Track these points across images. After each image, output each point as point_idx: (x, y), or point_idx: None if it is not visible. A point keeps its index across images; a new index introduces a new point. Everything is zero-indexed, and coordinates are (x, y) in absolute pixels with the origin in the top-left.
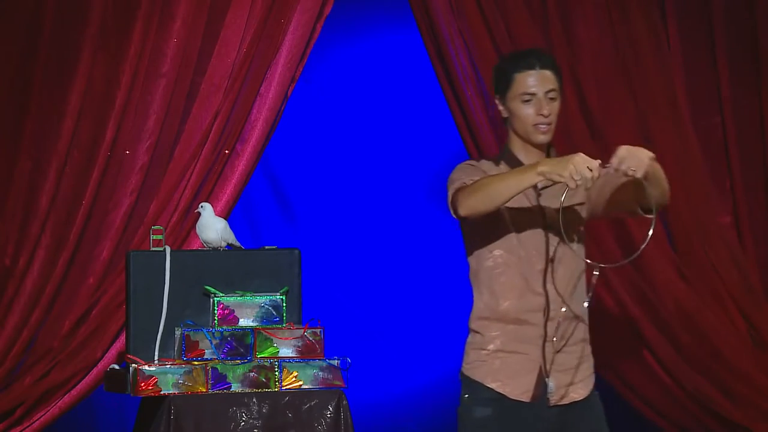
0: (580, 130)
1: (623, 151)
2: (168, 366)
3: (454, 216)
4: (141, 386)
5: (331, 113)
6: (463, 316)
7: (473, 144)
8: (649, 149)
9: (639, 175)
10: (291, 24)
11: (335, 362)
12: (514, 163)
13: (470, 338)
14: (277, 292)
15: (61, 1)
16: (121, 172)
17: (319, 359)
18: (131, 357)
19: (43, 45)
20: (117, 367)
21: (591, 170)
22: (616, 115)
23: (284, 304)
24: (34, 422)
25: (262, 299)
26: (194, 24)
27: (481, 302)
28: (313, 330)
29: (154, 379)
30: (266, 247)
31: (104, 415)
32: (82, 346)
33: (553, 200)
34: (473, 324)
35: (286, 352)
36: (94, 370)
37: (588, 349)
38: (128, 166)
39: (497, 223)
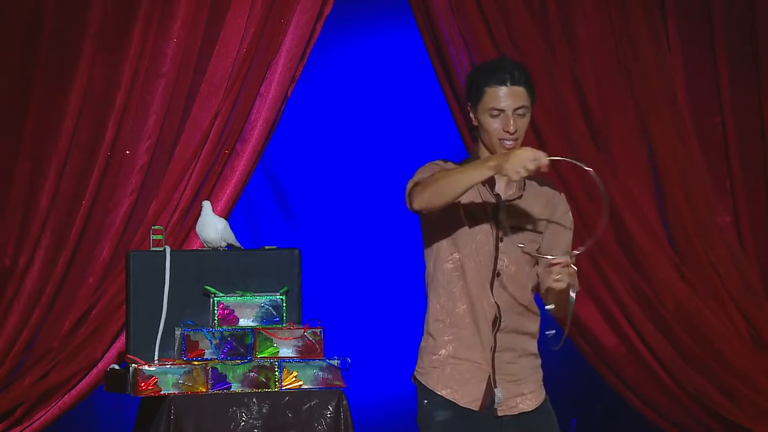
0: (580, 130)
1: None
2: (168, 366)
3: (409, 209)
4: (141, 386)
5: (331, 113)
6: None
7: (473, 144)
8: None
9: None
10: (291, 24)
11: (335, 362)
12: None
13: (423, 342)
14: (277, 292)
15: (61, 1)
16: (121, 172)
17: (319, 359)
18: (131, 357)
19: (43, 45)
20: (117, 367)
21: (533, 162)
22: (616, 115)
23: (284, 304)
24: (34, 422)
25: (262, 299)
26: (194, 24)
27: (437, 303)
28: (313, 330)
29: (154, 379)
30: (266, 247)
31: (104, 415)
32: (82, 346)
33: (511, 216)
34: (428, 326)
35: (286, 352)
36: (94, 370)
37: (537, 362)
38: (128, 166)
39: (457, 227)
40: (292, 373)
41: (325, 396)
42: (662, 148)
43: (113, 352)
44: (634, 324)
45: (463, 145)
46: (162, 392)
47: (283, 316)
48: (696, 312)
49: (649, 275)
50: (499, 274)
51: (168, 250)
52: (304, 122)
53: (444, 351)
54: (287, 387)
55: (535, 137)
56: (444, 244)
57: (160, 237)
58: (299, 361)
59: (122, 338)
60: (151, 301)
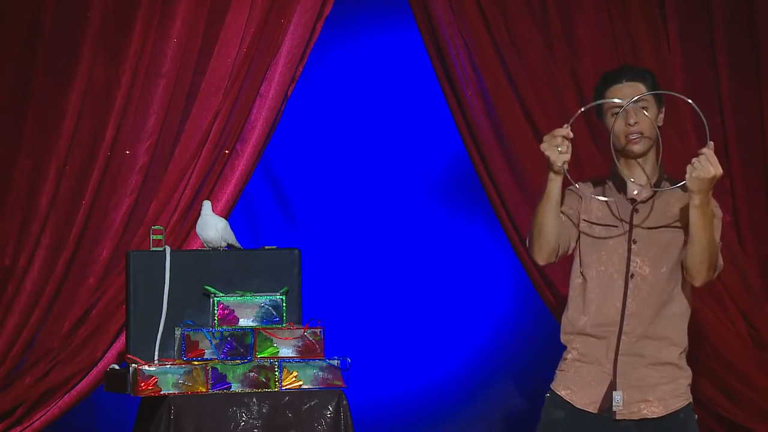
0: (580, 130)
1: (708, 153)
2: (168, 366)
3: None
4: (141, 386)
5: (331, 113)
6: (462, 316)
7: (473, 144)
8: None
9: (692, 174)
10: (291, 24)
11: (335, 362)
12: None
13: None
14: (277, 292)
15: (61, 1)
16: (121, 172)
17: (319, 359)
18: (131, 357)
19: (43, 45)
20: (117, 367)
21: (550, 135)
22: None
23: (284, 304)
24: (34, 422)
25: (262, 299)
26: (194, 24)
27: (566, 317)
28: (313, 330)
29: (154, 379)
30: (266, 247)
31: (104, 415)
32: (82, 346)
33: (647, 217)
34: (561, 339)
35: (286, 352)
36: (94, 370)
37: (679, 373)
38: (128, 166)
39: (588, 239)
40: (292, 373)
41: (325, 396)
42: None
43: (113, 352)
44: None
45: (463, 145)
46: (162, 392)
47: (283, 316)
48: (696, 312)
49: None
50: (632, 276)
51: (168, 250)
52: (304, 122)
53: (570, 356)
54: (287, 387)
55: (535, 137)
56: (575, 261)
57: (160, 237)
58: (299, 361)
59: (122, 338)
60: (151, 301)
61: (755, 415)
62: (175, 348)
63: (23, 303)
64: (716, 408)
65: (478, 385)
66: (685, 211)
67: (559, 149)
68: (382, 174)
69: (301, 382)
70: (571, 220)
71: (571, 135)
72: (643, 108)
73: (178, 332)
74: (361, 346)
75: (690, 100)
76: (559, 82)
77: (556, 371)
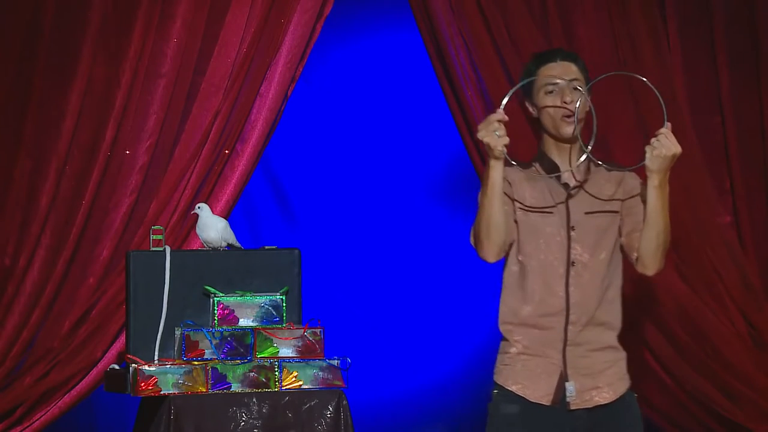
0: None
1: (667, 132)
2: (168, 366)
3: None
4: (141, 386)
5: (331, 113)
6: (462, 315)
7: (473, 144)
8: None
9: (653, 153)
10: (291, 24)
11: (335, 362)
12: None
13: (500, 344)
14: (277, 292)
15: (61, 1)
16: (121, 172)
17: (319, 359)
18: (131, 357)
19: (43, 45)
20: (117, 367)
21: (486, 121)
22: (616, 115)
23: (284, 304)
24: (34, 422)
25: (262, 299)
26: (194, 24)
27: (505, 307)
28: (313, 330)
29: (154, 379)
30: (266, 247)
31: (104, 415)
32: (82, 346)
33: (582, 202)
34: (500, 328)
35: (286, 352)
36: (94, 370)
37: (618, 354)
38: (128, 166)
39: (526, 227)
40: (292, 373)
41: (325, 396)
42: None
43: (113, 352)
44: (634, 324)
45: (463, 145)
46: (162, 392)
47: (283, 316)
48: (696, 312)
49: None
50: (573, 264)
51: (168, 250)
52: (304, 122)
53: (514, 349)
54: (287, 387)
55: (535, 136)
56: (513, 248)
57: (160, 237)
58: (299, 361)
59: (122, 338)
60: (151, 301)
61: (755, 415)
62: (175, 348)
63: (23, 303)
64: (716, 408)
65: (478, 385)
66: (619, 194)
67: (497, 133)
68: (382, 174)
69: (301, 382)
70: (509, 203)
71: (506, 118)
72: (576, 89)
73: (178, 332)
74: (361, 346)
75: (645, 79)
76: None
77: (499, 365)
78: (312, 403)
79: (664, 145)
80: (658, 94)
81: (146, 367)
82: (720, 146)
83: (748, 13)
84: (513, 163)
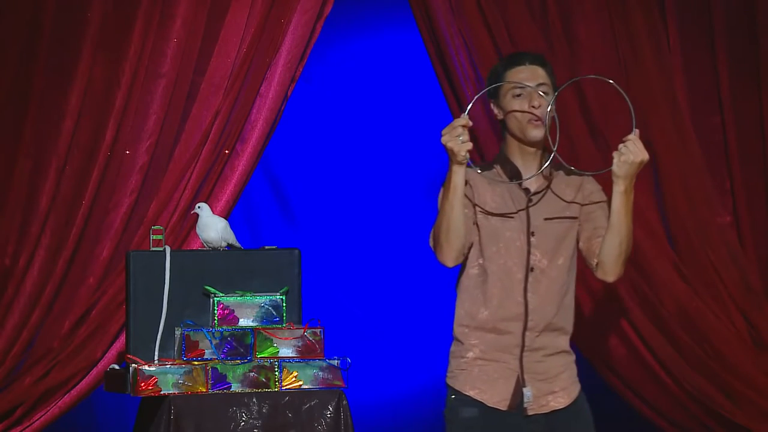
0: (580, 130)
1: (635, 138)
2: (168, 366)
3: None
4: (141, 386)
5: (331, 113)
6: None
7: (473, 144)
8: (649, 149)
9: (620, 159)
10: (291, 24)
11: (335, 362)
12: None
13: (452, 347)
14: (277, 292)
15: (61, 1)
16: (121, 172)
17: (319, 359)
18: (131, 357)
19: (43, 45)
20: (117, 367)
21: (450, 126)
22: (616, 115)
23: (284, 304)
24: (34, 422)
25: (262, 299)
26: (194, 24)
27: (462, 309)
28: (313, 330)
29: (154, 379)
30: (266, 247)
31: (104, 415)
32: (82, 346)
33: (542, 208)
34: (455, 332)
35: (286, 352)
36: (94, 370)
37: (570, 358)
38: (128, 166)
39: (486, 231)
40: (292, 373)
41: (325, 396)
42: (662, 148)
43: (113, 352)
44: (634, 324)
45: None
46: (162, 392)
47: (283, 316)
48: (696, 312)
49: (649, 275)
50: (532, 269)
51: (168, 250)
52: (304, 122)
53: (471, 353)
54: (287, 387)
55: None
56: (472, 251)
57: (160, 237)
58: (299, 361)
59: (122, 338)
60: (151, 301)
61: (755, 415)
62: (175, 348)
63: (23, 303)
64: (716, 408)
65: None
66: (579, 199)
67: (461, 139)
68: (382, 174)
69: (301, 382)
70: (470, 208)
71: (470, 123)
72: (545, 94)
73: (178, 332)
74: (361, 346)
75: (611, 81)
76: (559, 82)
77: (454, 370)
78: (312, 403)
79: (632, 151)
80: (626, 98)
81: (146, 367)
82: (720, 146)
83: (748, 13)
84: (478, 171)
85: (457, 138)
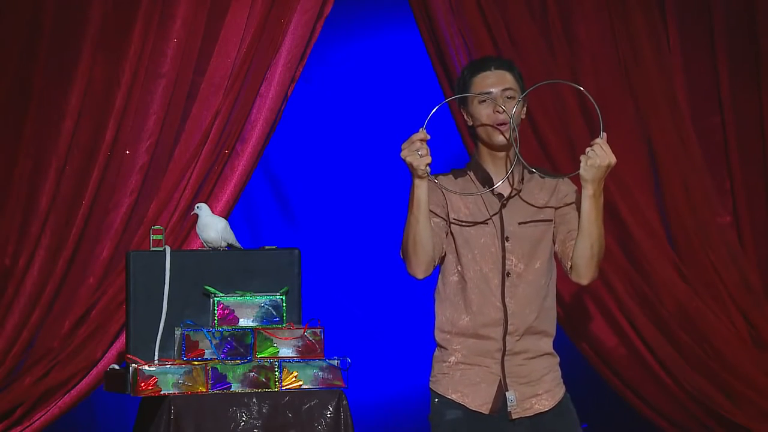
0: (580, 130)
1: (602, 142)
2: (168, 366)
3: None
4: (141, 386)
5: (331, 113)
6: None
7: (473, 144)
8: (650, 149)
9: (588, 162)
10: (291, 24)
11: (335, 362)
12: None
13: (435, 352)
14: (277, 292)
15: (61, 1)
16: (121, 172)
17: (319, 359)
18: (131, 357)
19: (43, 45)
20: (117, 367)
21: (408, 140)
22: (616, 115)
23: (284, 304)
24: (34, 422)
25: (262, 299)
26: (194, 24)
27: (443, 316)
28: (313, 330)
29: (154, 379)
30: (266, 247)
31: (104, 415)
32: (82, 346)
33: (516, 212)
34: (436, 337)
35: (286, 352)
36: (94, 370)
37: (554, 360)
38: (128, 166)
39: (460, 238)
40: (292, 373)
41: (325, 396)
42: (662, 148)
43: (113, 352)
44: (634, 324)
45: (463, 145)
46: (162, 392)
47: (283, 316)
48: (696, 312)
49: (649, 275)
50: (509, 274)
51: (168, 250)
52: (304, 122)
53: (453, 358)
54: (287, 387)
55: (534, 137)
56: (450, 258)
57: (160, 237)
58: (299, 361)
59: (122, 338)
60: (151, 301)
61: (755, 415)
62: (175, 348)
63: (23, 303)
64: (716, 408)
65: None
66: (553, 202)
67: (420, 153)
68: (382, 174)
69: (301, 382)
70: (441, 218)
71: (428, 137)
72: (511, 98)
73: (178, 332)
74: (361, 346)
75: (582, 88)
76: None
77: (436, 374)
78: (312, 403)
79: (599, 154)
80: (594, 102)
81: (146, 367)
82: (720, 146)
83: (748, 13)
84: (445, 188)
85: (415, 152)
